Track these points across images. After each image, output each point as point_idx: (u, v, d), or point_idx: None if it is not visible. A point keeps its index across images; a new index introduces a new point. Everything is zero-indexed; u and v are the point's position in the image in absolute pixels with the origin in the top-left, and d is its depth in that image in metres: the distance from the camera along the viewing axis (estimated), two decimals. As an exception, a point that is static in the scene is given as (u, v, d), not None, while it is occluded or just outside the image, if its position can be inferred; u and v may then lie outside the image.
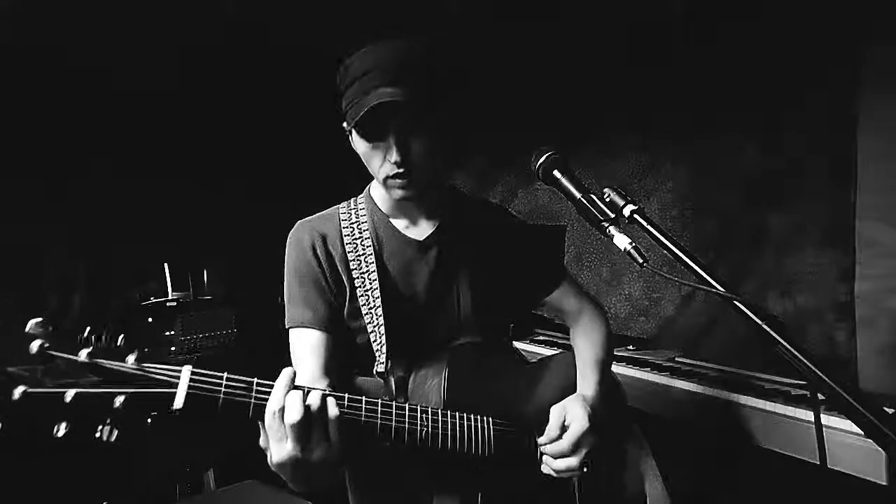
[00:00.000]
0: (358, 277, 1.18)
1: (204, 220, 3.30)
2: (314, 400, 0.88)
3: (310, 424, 0.87)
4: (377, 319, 1.15)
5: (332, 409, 0.89)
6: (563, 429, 1.13)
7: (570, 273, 1.40)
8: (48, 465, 2.30)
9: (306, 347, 1.16)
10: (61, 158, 2.84)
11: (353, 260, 1.19)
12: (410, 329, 1.20)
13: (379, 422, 0.97)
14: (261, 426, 0.89)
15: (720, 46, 2.34)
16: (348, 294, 1.19)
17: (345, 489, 1.34)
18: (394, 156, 1.07)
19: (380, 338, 1.15)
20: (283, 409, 0.85)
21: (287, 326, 1.19)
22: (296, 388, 0.88)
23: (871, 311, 1.95)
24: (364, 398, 0.97)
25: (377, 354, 1.15)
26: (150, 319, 2.70)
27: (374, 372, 1.16)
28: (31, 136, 2.74)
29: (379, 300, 1.16)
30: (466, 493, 1.10)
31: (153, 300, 2.85)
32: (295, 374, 0.90)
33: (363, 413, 0.96)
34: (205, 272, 3.10)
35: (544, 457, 1.15)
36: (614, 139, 2.78)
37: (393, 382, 1.15)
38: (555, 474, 1.14)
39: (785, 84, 2.19)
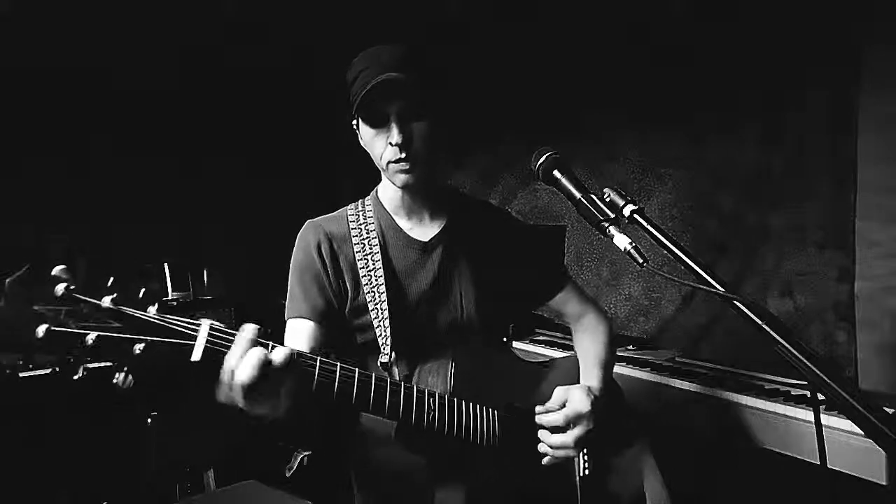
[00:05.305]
0: (365, 276, 1.21)
1: (204, 220, 3.30)
2: (278, 357, 0.84)
3: (263, 386, 0.83)
4: (382, 314, 1.19)
5: (289, 371, 0.87)
6: (563, 406, 1.17)
7: (572, 277, 1.42)
8: (49, 465, 2.30)
9: (298, 333, 1.18)
10: (61, 158, 2.85)
11: (361, 259, 1.22)
12: (415, 326, 1.23)
13: (387, 402, 1.00)
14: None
15: (721, 46, 2.34)
16: (352, 292, 1.23)
17: (350, 488, 1.35)
18: (395, 137, 1.11)
19: (384, 330, 1.18)
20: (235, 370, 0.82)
21: (286, 318, 1.22)
22: (260, 343, 0.85)
23: (871, 311, 1.95)
24: (358, 370, 0.98)
25: (382, 347, 1.19)
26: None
27: (378, 363, 1.19)
28: (29, 132, 2.75)
29: (384, 296, 1.19)
30: (470, 485, 1.12)
31: (153, 300, 2.84)
32: (258, 329, 0.86)
33: (355, 381, 0.97)
34: (205, 272, 3.10)
35: (540, 432, 1.18)
36: (614, 139, 2.78)
37: (397, 374, 1.18)
38: (550, 451, 1.16)
39: (785, 84, 2.19)
